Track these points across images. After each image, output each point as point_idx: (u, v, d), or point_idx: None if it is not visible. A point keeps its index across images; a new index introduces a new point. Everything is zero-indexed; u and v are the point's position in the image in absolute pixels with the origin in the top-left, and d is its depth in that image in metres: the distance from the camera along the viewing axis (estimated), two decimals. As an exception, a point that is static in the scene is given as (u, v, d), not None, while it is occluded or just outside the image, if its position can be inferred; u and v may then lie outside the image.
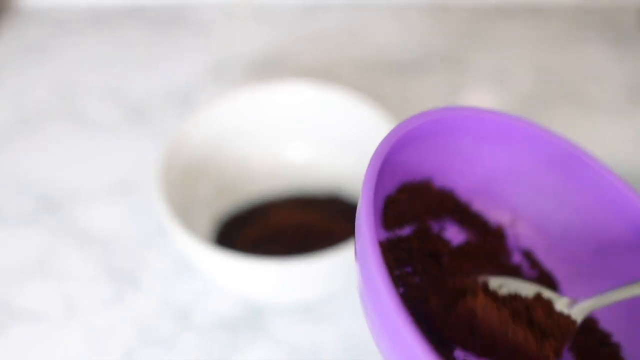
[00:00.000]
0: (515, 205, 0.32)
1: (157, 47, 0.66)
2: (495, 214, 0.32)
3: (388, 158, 0.27)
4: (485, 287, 0.28)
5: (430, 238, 0.30)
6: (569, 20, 0.68)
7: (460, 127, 0.30)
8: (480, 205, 0.32)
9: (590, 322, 0.30)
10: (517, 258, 0.32)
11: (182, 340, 0.43)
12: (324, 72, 0.62)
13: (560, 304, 0.28)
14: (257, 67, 0.63)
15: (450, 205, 0.32)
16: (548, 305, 0.28)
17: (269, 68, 0.63)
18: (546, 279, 0.31)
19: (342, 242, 0.44)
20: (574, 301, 0.28)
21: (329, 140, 0.50)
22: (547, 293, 0.28)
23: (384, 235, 0.29)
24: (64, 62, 0.64)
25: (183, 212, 0.43)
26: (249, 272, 0.39)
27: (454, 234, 0.32)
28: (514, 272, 0.31)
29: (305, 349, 0.42)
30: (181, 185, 0.45)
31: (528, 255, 0.32)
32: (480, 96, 0.61)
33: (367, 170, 0.26)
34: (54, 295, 0.45)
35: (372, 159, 0.26)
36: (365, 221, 0.24)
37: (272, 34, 0.67)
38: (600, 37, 0.65)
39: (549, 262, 0.32)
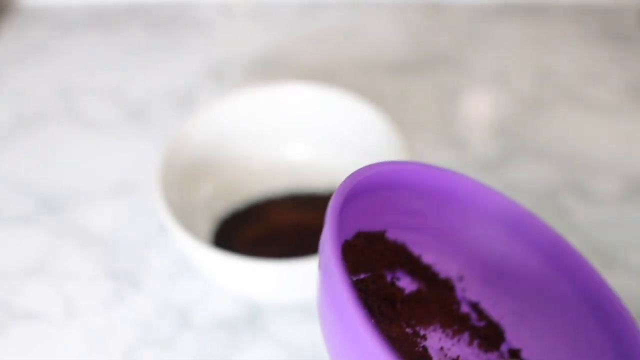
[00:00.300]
0: (463, 259, 0.34)
1: (157, 47, 0.66)
2: (444, 267, 0.34)
3: (348, 202, 0.28)
4: None
5: (385, 284, 0.31)
6: (569, 20, 0.68)
7: (408, 181, 0.31)
8: (430, 258, 0.33)
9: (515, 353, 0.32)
10: (465, 308, 0.33)
11: (182, 340, 0.43)
12: (324, 72, 0.62)
13: None
14: (257, 67, 0.63)
15: (402, 258, 0.33)
16: None
17: (269, 68, 0.63)
18: (493, 328, 0.33)
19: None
20: None
21: (329, 140, 0.50)
22: None
23: None
24: (64, 62, 0.64)
25: (183, 212, 0.43)
26: (248, 272, 0.39)
27: (407, 284, 0.33)
28: (464, 320, 0.33)
29: (305, 349, 0.42)
30: (181, 185, 0.45)
31: (475, 306, 0.33)
32: (480, 96, 0.61)
33: (329, 207, 0.26)
34: (54, 295, 0.45)
35: (333, 199, 0.27)
36: (335, 263, 0.24)
37: (272, 34, 0.67)
38: (600, 37, 0.65)
39: (496, 313, 0.33)
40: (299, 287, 0.41)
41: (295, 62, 0.64)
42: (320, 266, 0.26)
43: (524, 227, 0.32)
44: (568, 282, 0.31)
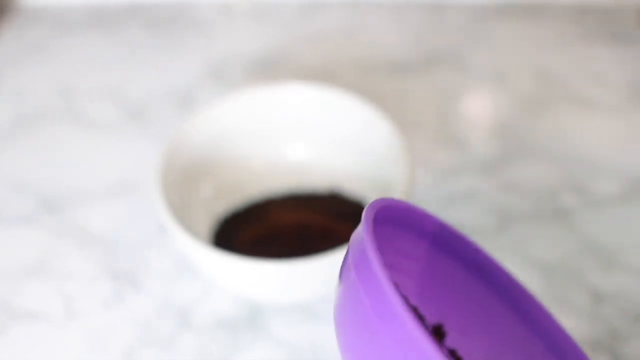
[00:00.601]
0: (443, 308, 0.35)
1: (157, 47, 0.66)
2: (427, 312, 0.35)
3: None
4: None
5: None
6: (569, 20, 0.68)
7: (408, 223, 0.33)
8: (415, 301, 0.34)
9: None
10: (444, 352, 0.35)
11: (182, 340, 0.43)
12: (324, 72, 0.62)
13: None
14: (257, 67, 0.63)
15: None
16: None
17: (269, 68, 0.63)
18: None
19: (341, 242, 0.44)
20: None
21: (329, 140, 0.50)
22: None
23: None
24: (64, 62, 0.64)
25: (183, 212, 0.43)
26: (248, 272, 0.39)
27: None
28: None
29: (305, 349, 0.42)
30: (181, 185, 0.45)
31: (453, 353, 0.35)
32: (480, 96, 0.61)
33: (364, 216, 0.27)
34: (54, 295, 0.45)
35: (365, 217, 0.28)
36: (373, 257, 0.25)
37: (272, 34, 0.67)
38: (600, 37, 0.65)
39: None
40: (299, 287, 0.41)
41: (295, 62, 0.64)
42: (348, 275, 0.27)
43: (500, 282, 0.34)
44: (537, 336, 0.34)
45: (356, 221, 0.47)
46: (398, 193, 0.42)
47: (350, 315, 0.26)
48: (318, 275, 0.39)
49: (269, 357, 0.42)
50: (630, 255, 0.47)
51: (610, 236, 0.48)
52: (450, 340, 0.34)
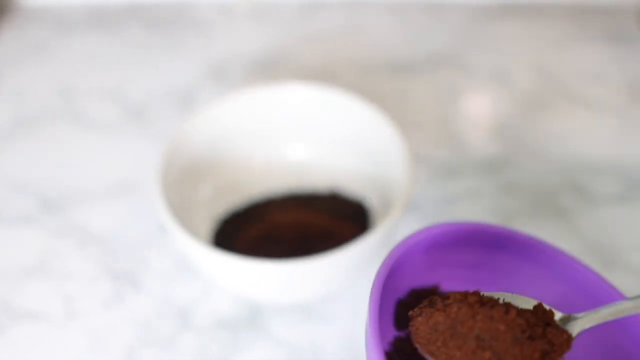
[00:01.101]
0: None
1: (157, 47, 0.66)
2: None
3: (397, 266, 0.30)
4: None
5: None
6: (569, 20, 0.68)
7: (456, 240, 0.33)
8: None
9: None
10: None
11: (182, 340, 0.43)
12: (324, 72, 0.62)
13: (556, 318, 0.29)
14: (257, 67, 0.63)
15: None
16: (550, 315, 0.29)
17: (269, 68, 0.63)
18: None
19: (341, 242, 0.44)
20: (568, 316, 0.29)
21: (329, 140, 0.50)
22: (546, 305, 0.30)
23: (395, 334, 0.32)
24: (64, 62, 0.64)
25: (183, 212, 0.43)
26: (248, 272, 0.39)
27: None
28: None
29: (305, 349, 0.42)
30: (181, 185, 0.45)
31: None
32: (480, 96, 0.61)
33: (373, 285, 0.28)
34: (54, 295, 0.45)
35: (378, 273, 0.29)
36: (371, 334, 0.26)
37: (272, 34, 0.67)
38: (600, 37, 0.65)
39: None
40: (299, 287, 0.41)
41: (295, 62, 0.64)
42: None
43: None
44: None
45: (356, 221, 0.47)
46: (398, 193, 0.42)
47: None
48: (318, 275, 0.39)
49: (269, 357, 0.42)
50: (630, 255, 0.47)
51: (610, 236, 0.48)
52: None
